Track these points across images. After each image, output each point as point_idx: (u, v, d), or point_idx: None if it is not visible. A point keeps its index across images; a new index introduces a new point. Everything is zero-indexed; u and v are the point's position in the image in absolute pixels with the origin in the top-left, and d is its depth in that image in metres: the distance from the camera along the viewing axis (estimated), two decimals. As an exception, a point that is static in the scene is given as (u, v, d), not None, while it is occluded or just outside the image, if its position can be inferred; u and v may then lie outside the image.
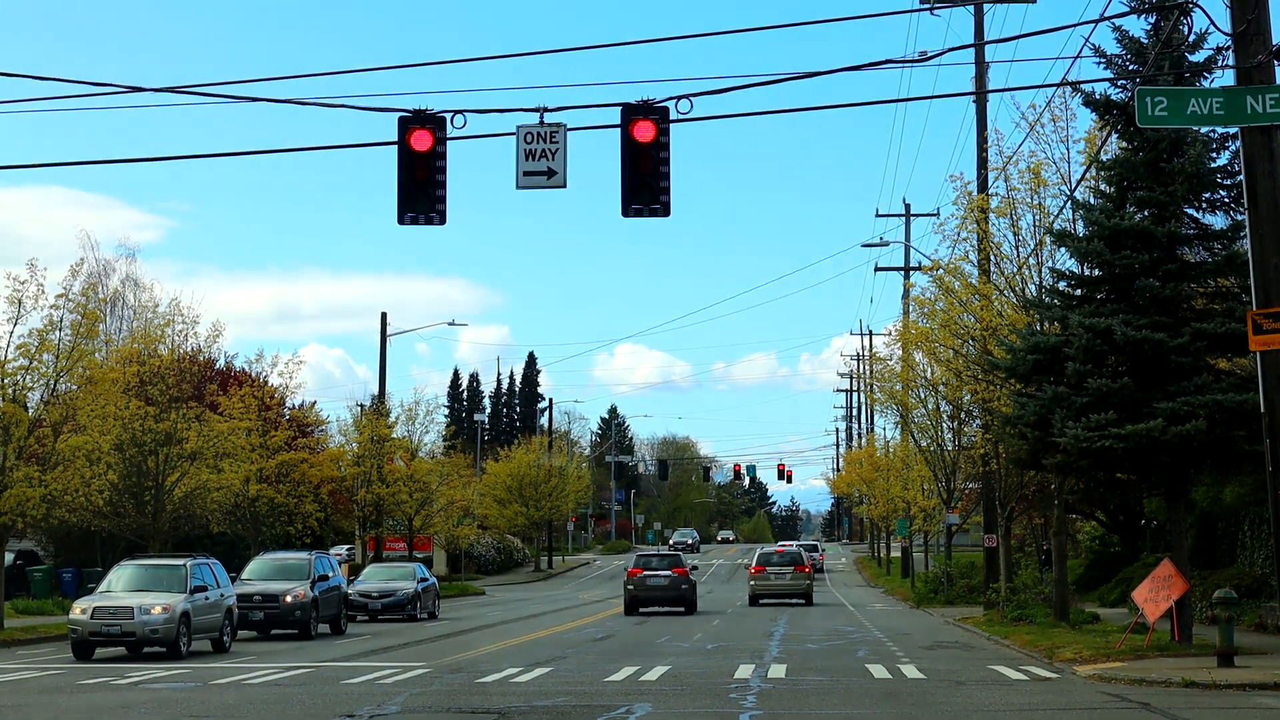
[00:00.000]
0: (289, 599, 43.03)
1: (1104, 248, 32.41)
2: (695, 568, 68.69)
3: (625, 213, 27.14)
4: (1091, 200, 34.97)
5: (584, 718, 22.31)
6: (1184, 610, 32.76)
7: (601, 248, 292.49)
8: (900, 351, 62.38)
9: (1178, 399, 31.01)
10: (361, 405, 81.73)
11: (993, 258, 43.24)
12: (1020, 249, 41.94)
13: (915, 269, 75.47)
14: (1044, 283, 39.46)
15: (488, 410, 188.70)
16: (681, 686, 26.87)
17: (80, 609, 35.90)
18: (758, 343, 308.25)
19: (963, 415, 64.17)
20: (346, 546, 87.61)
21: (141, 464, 52.37)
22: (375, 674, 30.05)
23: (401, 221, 27.40)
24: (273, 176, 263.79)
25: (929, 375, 55.99)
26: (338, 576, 46.84)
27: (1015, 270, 42.00)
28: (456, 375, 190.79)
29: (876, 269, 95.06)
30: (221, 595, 38.39)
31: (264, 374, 66.09)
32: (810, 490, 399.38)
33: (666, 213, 27.17)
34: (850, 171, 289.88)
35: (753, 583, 66.18)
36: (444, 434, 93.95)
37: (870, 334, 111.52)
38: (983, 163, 48.29)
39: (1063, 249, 37.39)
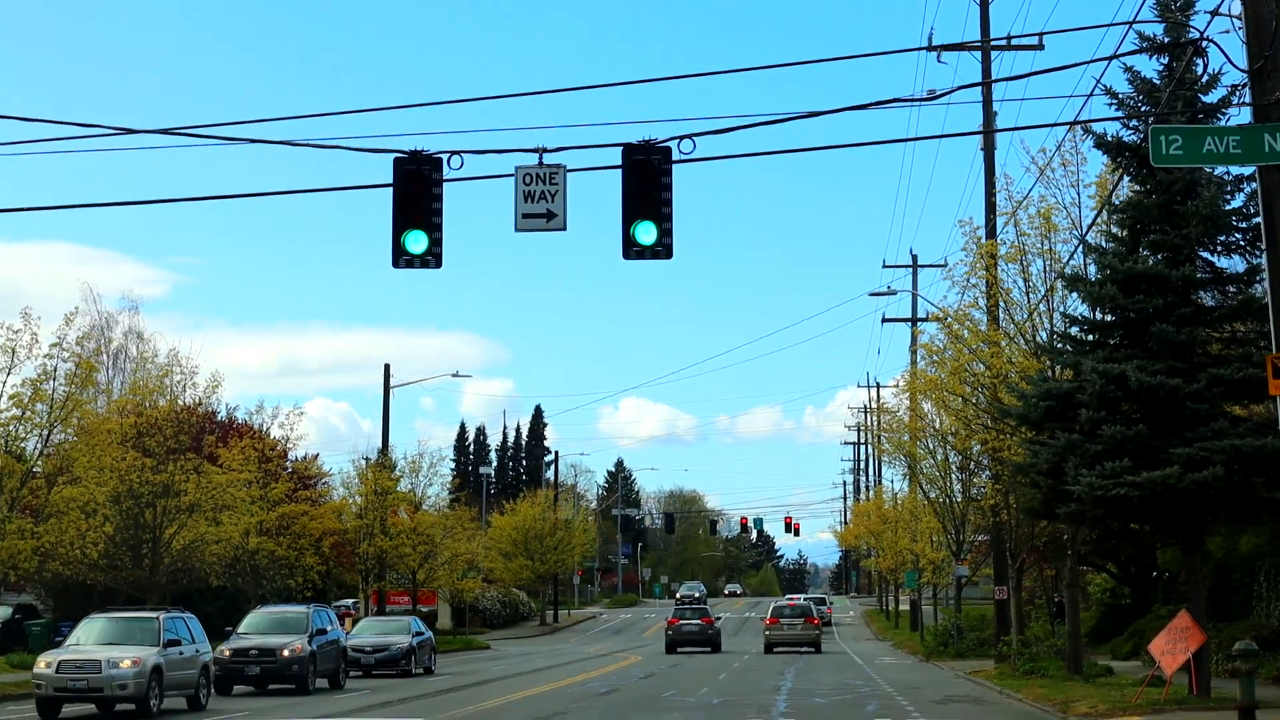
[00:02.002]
0: (286, 653, 42.12)
1: (1117, 292, 31.68)
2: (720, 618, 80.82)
3: (626, 255, 26.42)
4: (1104, 244, 34.20)
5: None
6: (1202, 662, 31.90)
7: (607, 299, 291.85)
8: (908, 401, 61.69)
9: (1194, 445, 30.21)
10: (366, 459, 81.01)
11: (1003, 304, 42.46)
12: (1031, 295, 41.21)
13: (923, 319, 74.68)
14: (1055, 328, 38.65)
15: (494, 464, 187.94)
16: (685, 743, 26.03)
17: (45, 663, 34.10)
18: (762, 396, 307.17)
19: (972, 466, 63.45)
20: (351, 600, 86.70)
21: (139, 516, 51.63)
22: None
23: (396, 265, 26.73)
24: (280, 231, 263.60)
25: (937, 425, 55.21)
26: (336, 630, 45.95)
27: (1026, 317, 41.23)
28: (463, 429, 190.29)
29: (883, 320, 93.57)
30: (197, 651, 36.86)
31: (265, 426, 65.61)
32: (818, 544, 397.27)
33: (669, 255, 26.44)
34: (856, 222, 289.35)
35: (768, 632, 73.02)
36: (448, 485, 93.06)
37: (878, 386, 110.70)
38: (991, 207, 47.58)
39: (1074, 294, 36.63)
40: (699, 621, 72.64)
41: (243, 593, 63.81)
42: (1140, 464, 30.21)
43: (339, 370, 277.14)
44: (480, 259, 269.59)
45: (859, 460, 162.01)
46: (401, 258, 26.77)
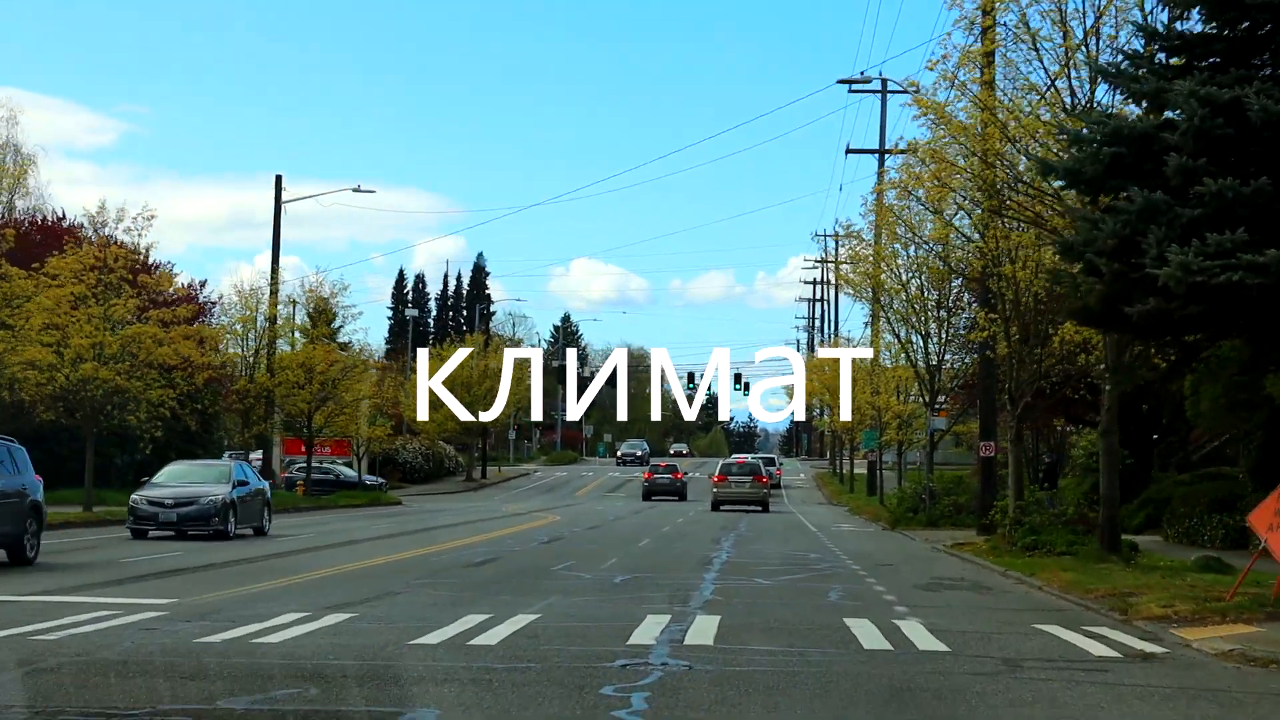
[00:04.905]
0: None
1: (1228, -18, 20.76)
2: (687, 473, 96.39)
3: None
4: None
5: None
6: (1331, 544, 21.59)
7: (561, 157, 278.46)
8: (876, 220, 51.26)
9: (1342, 211, 19.57)
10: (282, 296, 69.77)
11: (1025, 45, 30.80)
12: (1068, 37, 29.94)
13: (891, 151, 64.01)
14: (1123, 47, 27.35)
15: (433, 313, 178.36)
16: (526, 664, 15.30)
17: None
18: (715, 259, 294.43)
19: (949, 304, 53.45)
20: (258, 451, 75.79)
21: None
22: (54, 621, 18.55)
23: None
24: (234, 78, 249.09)
25: (922, 232, 44.47)
26: (24, 478, 30.37)
27: (1061, 64, 29.85)
28: (401, 276, 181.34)
29: (848, 151, 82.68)
30: None
31: (110, 231, 53.97)
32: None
33: None
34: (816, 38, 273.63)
35: (715, 490, 72.98)
36: (353, 315, 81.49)
37: (837, 235, 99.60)
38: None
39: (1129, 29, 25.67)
40: (670, 476, 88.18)
41: (77, 431, 52.73)
42: (1262, 237, 19.51)
43: (290, 224, 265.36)
44: (431, 112, 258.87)
45: (814, 318, 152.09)
46: None
